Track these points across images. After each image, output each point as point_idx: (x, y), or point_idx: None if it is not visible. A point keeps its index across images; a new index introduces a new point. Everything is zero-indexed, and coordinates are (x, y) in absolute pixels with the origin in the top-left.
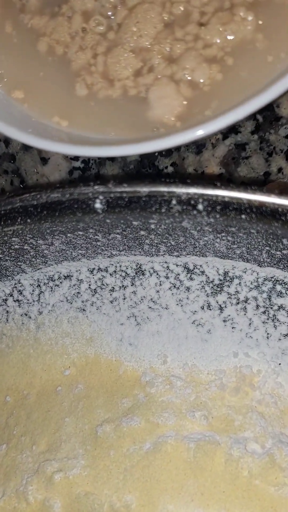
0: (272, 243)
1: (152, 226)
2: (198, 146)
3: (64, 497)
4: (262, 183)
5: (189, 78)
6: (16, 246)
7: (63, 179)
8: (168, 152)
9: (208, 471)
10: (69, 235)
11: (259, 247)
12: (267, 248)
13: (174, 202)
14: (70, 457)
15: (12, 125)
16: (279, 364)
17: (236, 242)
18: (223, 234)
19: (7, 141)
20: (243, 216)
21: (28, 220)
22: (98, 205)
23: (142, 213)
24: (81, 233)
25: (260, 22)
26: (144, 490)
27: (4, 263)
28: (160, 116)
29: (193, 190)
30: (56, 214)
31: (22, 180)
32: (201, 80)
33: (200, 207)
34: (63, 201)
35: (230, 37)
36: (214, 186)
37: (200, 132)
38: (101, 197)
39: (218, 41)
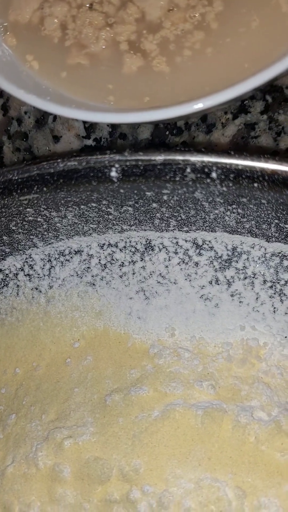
0: (281, 215)
1: (165, 197)
2: (208, 125)
3: (74, 463)
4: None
5: None
6: (29, 218)
7: None
8: (178, 131)
9: (216, 437)
10: (82, 206)
11: (268, 220)
12: (276, 221)
13: (188, 170)
14: (80, 425)
15: (31, 93)
16: (285, 337)
17: (246, 215)
18: (233, 206)
19: (19, 119)
20: (255, 185)
21: (44, 189)
22: (113, 173)
23: (156, 181)
24: (94, 204)
25: None
26: (152, 455)
27: (17, 236)
28: None
29: (207, 158)
30: (72, 182)
31: (34, 157)
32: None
33: (213, 175)
34: (80, 169)
35: None
36: (228, 155)
37: (199, 106)
38: (116, 165)
39: None
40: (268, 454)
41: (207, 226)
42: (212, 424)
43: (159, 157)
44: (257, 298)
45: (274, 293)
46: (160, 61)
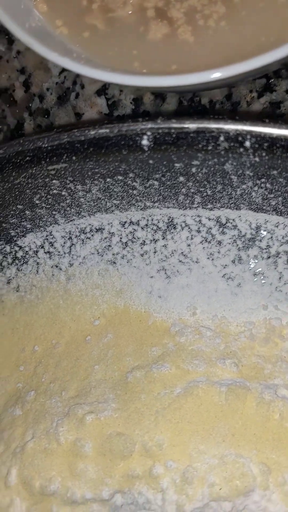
0: None
1: (193, 170)
2: (233, 104)
3: (96, 438)
4: None
5: None
6: (54, 191)
7: None
8: (203, 109)
9: (240, 413)
10: (108, 180)
11: None
12: None
13: (222, 138)
14: (101, 401)
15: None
16: None
17: (274, 191)
18: (262, 180)
19: (41, 96)
20: None
21: (74, 158)
22: (145, 141)
23: (188, 150)
24: (120, 177)
25: None
26: (175, 431)
27: (39, 211)
28: None
29: (241, 126)
30: (102, 151)
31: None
32: None
33: (247, 144)
34: (111, 137)
35: None
36: (263, 123)
37: (217, 74)
38: (148, 133)
39: None
40: None
41: (232, 203)
42: (236, 401)
43: (193, 125)
44: (280, 278)
45: None
46: (185, 30)
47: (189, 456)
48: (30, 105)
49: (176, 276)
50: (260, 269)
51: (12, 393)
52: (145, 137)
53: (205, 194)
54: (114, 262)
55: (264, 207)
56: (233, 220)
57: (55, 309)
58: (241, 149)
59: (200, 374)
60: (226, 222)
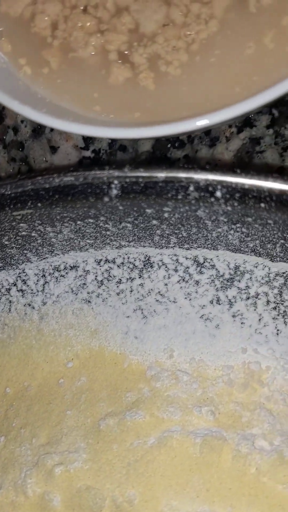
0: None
1: (166, 215)
2: (212, 139)
3: (65, 491)
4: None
5: None
6: (23, 233)
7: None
8: (180, 144)
9: (215, 467)
10: (79, 222)
11: (274, 239)
12: (282, 241)
13: (191, 188)
14: (71, 451)
15: (26, 103)
16: None
17: (250, 235)
18: (238, 225)
19: (15, 128)
20: (262, 205)
21: (39, 204)
22: (112, 190)
23: (158, 199)
24: (91, 220)
25: None
26: (147, 485)
27: (9, 250)
28: None
29: (212, 176)
30: (69, 198)
31: (31, 168)
32: None
33: (218, 194)
34: (76, 185)
35: None
36: (234, 173)
37: (204, 122)
38: (116, 182)
39: None
40: (270, 487)
41: (209, 244)
42: (211, 454)
43: (161, 174)
44: (259, 320)
45: (278, 315)
46: (147, 76)
47: None
48: (4, 137)
49: (153, 316)
50: (239, 310)
51: None
52: (112, 185)
53: (180, 235)
54: (89, 301)
55: (242, 249)
56: (210, 259)
57: (27, 349)
58: (212, 199)
59: (175, 423)
60: (204, 262)
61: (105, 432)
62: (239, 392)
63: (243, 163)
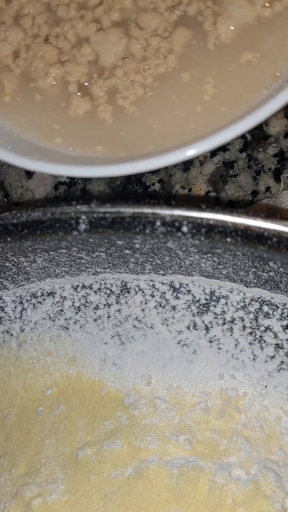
0: (258, 265)
1: (137, 246)
2: (186, 163)
3: None
4: (249, 202)
5: None
6: None
7: (48, 193)
8: (155, 171)
9: (191, 498)
10: (51, 253)
11: (245, 268)
12: (254, 269)
13: (158, 223)
14: (50, 482)
15: None
16: (265, 386)
17: (222, 263)
18: (208, 255)
19: None
20: (228, 239)
21: (9, 239)
22: (80, 225)
23: (126, 233)
24: (64, 251)
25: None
26: None
27: None
28: None
29: (177, 212)
30: (38, 233)
31: (6, 193)
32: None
33: (184, 229)
34: (45, 220)
35: None
36: (199, 209)
37: (191, 152)
38: (83, 217)
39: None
40: None
41: (183, 271)
42: (188, 485)
43: (128, 210)
44: (236, 345)
45: (254, 340)
46: (105, 109)
47: None
48: None
49: (130, 342)
50: (215, 336)
51: None
52: (80, 220)
53: (154, 263)
54: (67, 328)
55: (216, 275)
56: (186, 285)
57: (6, 377)
58: (179, 233)
59: (152, 453)
60: (180, 287)
61: (83, 463)
62: (216, 419)
63: (217, 188)
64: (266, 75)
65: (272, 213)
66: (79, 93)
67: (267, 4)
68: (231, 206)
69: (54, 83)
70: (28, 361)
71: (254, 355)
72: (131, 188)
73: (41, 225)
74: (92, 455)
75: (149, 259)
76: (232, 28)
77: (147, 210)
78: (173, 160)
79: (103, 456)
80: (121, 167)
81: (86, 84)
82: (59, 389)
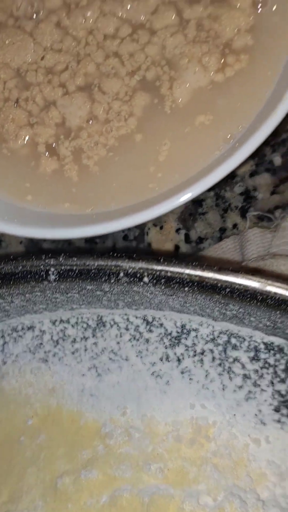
0: (220, 306)
1: (106, 289)
2: None
3: None
4: (218, 239)
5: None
6: None
7: (23, 242)
8: None
9: None
10: (27, 295)
11: (210, 306)
12: (217, 308)
13: (121, 274)
14: (30, 509)
15: None
16: (234, 415)
17: (188, 302)
18: (173, 297)
19: None
20: (186, 289)
21: None
22: (50, 276)
23: (93, 282)
24: (38, 293)
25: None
26: None
27: None
28: None
29: (138, 264)
30: (11, 283)
31: None
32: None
33: (145, 279)
34: (17, 272)
35: None
36: (158, 262)
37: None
38: (52, 269)
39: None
40: None
41: (154, 306)
42: (161, 510)
43: (93, 263)
44: (206, 375)
45: (223, 371)
46: (71, 168)
47: None
48: None
49: (107, 374)
50: (187, 367)
51: None
52: (50, 272)
53: (126, 300)
54: (46, 360)
55: (185, 311)
56: (159, 318)
57: None
58: (141, 283)
59: (126, 481)
60: (153, 321)
61: (61, 491)
62: (187, 447)
63: (187, 225)
64: (218, 137)
65: (224, 265)
66: (47, 153)
67: (219, 70)
68: (200, 243)
69: (24, 144)
70: (11, 392)
71: (223, 385)
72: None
73: (13, 276)
74: (70, 484)
75: (121, 298)
76: (186, 92)
77: (110, 262)
78: (121, 226)
79: (80, 484)
80: (84, 229)
81: (53, 145)
82: (40, 419)
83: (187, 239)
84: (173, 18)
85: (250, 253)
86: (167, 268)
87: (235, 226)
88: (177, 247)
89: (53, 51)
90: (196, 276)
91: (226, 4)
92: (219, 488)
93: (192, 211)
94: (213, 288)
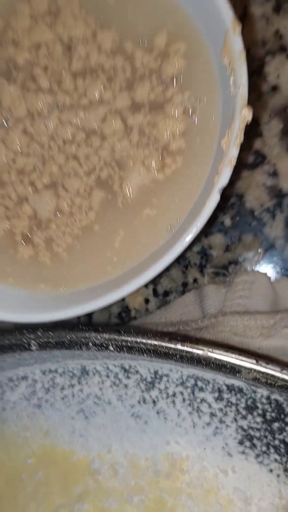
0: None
1: (84, 349)
2: None
3: None
4: (181, 292)
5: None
6: None
7: None
8: None
9: None
10: (17, 356)
11: (174, 359)
12: (179, 363)
13: (90, 344)
14: None
15: None
16: (204, 449)
17: (154, 359)
18: (141, 356)
19: None
20: (145, 355)
21: None
22: (32, 346)
23: (69, 350)
24: (26, 354)
25: None
26: None
27: None
28: None
29: (104, 335)
30: (1, 351)
31: None
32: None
33: (111, 348)
34: (3, 345)
35: None
36: (119, 333)
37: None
38: (33, 342)
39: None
40: None
41: (128, 357)
42: None
43: (67, 336)
44: (178, 415)
45: (192, 410)
46: (44, 254)
47: None
48: None
49: (93, 416)
50: (161, 407)
51: None
52: (31, 343)
53: (104, 354)
54: (40, 406)
55: (155, 360)
56: (134, 366)
57: None
58: (108, 351)
59: None
60: (129, 368)
61: None
62: (165, 479)
63: (155, 280)
64: (162, 227)
65: (176, 337)
66: (23, 242)
67: (159, 170)
68: (166, 295)
69: (3, 234)
70: (11, 436)
71: (194, 423)
72: None
73: (3, 347)
74: None
75: (99, 352)
76: (134, 189)
77: (80, 334)
78: (82, 311)
79: None
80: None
81: (28, 234)
82: (37, 458)
83: (155, 293)
84: (119, 125)
85: (207, 307)
86: (127, 339)
87: (195, 280)
88: (147, 300)
89: (22, 155)
90: (150, 344)
91: (162, 112)
92: None
93: None
94: (166, 355)
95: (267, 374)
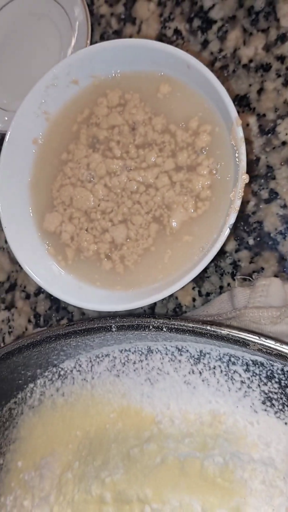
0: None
1: (146, 330)
2: None
3: (112, 492)
4: (219, 292)
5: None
6: (73, 344)
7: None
8: None
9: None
10: (101, 336)
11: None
12: (211, 340)
13: (151, 326)
14: (114, 469)
15: (67, 294)
16: (237, 407)
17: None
18: (188, 338)
19: None
20: (186, 334)
21: (78, 337)
22: (113, 328)
23: (135, 332)
24: (108, 335)
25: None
26: (159, 483)
27: (62, 357)
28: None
29: (159, 320)
30: (92, 332)
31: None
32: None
33: (164, 329)
34: (94, 327)
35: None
36: (169, 319)
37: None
38: (113, 325)
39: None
40: None
41: (179, 339)
42: (191, 466)
43: (135, 321)
44: (218, 382)
45: (228, 378)
46: (119, 267)
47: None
48: None
49: (156, 383)
50: (206, 377)
51: (65, 462)
52: (112, 326)
53: (163, 336)
54: (118, 375)
55: (200, 341)
56: (185, 346)
57: (86, 407)
58: (163, 331)
59: (171, 449)
60: (182, 348)
61: (132, 457)
62: (208, 428)
63: (199, 284)
64: (196, 248)
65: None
66: (105, 258)
67: (194, 210)
68: (208, 296)
69: (92, 252)
70: (98, 397)
71: (229, 388)
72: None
73: (92, 329)
74: (138, 452)
75: (157, 333)
76: (177, 223)
77: (144, 319)
78: (146, 302)
79: (143, 453)
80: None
81: (109, 253)
82: (117, 413)
83: (200, 293)
84: (167, 180)
85: (236, 303)
86: (174, 322)
87: (228, 284)
88: (193, 299)
89: (104, 201)
90: (190, 326)
91: (195, 172)
92: (227, 452)
93: (201, 275)
94: (200, 334)
95: (265, 345)
